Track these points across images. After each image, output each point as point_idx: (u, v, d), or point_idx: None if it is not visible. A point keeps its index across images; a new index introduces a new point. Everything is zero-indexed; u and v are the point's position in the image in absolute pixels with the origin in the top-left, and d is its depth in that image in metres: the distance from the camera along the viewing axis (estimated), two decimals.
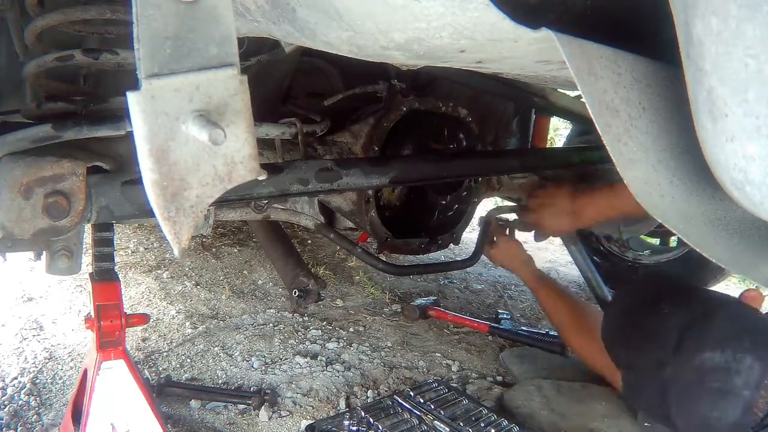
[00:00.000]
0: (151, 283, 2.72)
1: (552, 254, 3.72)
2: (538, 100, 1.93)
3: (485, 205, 2.67)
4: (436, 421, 1.59)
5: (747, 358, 1.25)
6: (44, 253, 1.16)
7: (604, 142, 0.56)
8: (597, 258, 2.87)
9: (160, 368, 1.95)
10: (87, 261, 1.81)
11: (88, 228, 1.42)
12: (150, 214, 0.89)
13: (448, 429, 1.57)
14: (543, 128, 2.38)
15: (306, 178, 1.27)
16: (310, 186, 1.28)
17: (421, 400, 1.70)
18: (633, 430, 1.65)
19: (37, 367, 1.92)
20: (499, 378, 2.04)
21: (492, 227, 2.18)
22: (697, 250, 0.58)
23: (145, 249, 3.19)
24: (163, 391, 1.74)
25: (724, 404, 1.26)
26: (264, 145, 1.72)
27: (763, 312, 1.46)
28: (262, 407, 1.72)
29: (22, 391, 1.76)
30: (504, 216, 2.29)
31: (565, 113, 2.10)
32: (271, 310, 2.48)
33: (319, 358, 2.07)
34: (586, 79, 0.55)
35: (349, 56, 0.80)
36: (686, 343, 1.31)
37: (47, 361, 1.96)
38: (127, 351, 1.33)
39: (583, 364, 1.86)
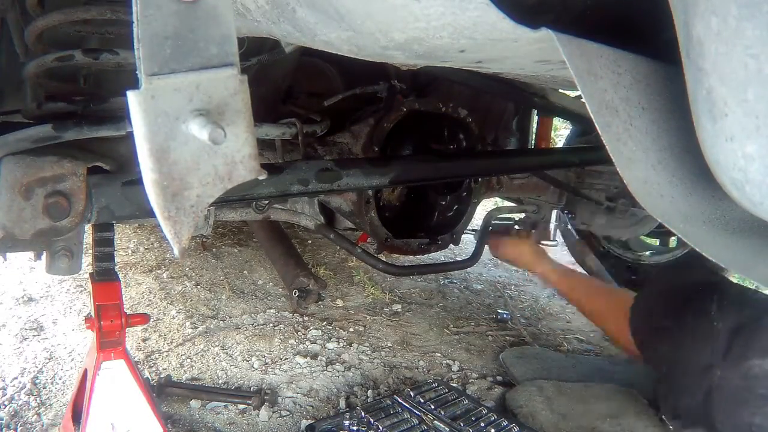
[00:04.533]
0: (151, 283, 2.72)
1: (552, 254, 3.71)
2: (538, 100, 1.93)
3: (485, 206, 2.67)
4: (436, 421, 1.59)
5: None
6: (44, 253, 1.16)
7: (604, 141, 0.56)
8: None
9: (160, 368, 1.95)
10: (87, 261, 1.82)
11: (88, 228, 1.42)
12: (150, 214, 0.90)
13: (448, 429, 1.57)
14: (546, 128, 2.39)
15: (306, 178, 1.27)
16: (311, 186, 1.28)
17: (421, 400, 1.70)
18: (635, 430, 1.65)
19: (37, 367, 1.92)
20: (500, 378, 2.04)
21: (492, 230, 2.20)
22: (697, 249, 0.58)
23: (146, 249, 3.20)
24: (163, 391, 1.74)
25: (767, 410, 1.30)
26: (264, 145, 1.72)
27: None
28: (262, 407, 1.72)
29: (22, 391, 1.76)
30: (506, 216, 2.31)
31: (565, 113, 2.10)
32: (271, 310, 2.48)
33: (319, 358, 2.07)
34: (586, 79, 0.56)
35: (349, 56, 0.80)
36: (735, 349, 1.31)
37: (47, 361, 1.96)
38: (127, 351, 1.33)
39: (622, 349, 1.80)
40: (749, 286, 1.53)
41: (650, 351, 1.54)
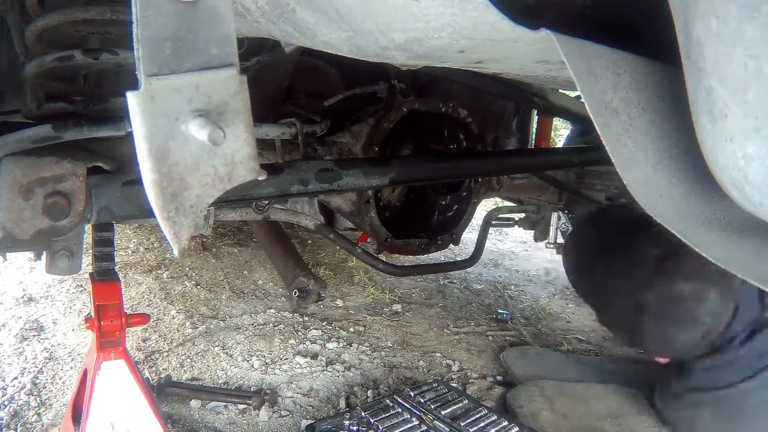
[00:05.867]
0: (151, 283, 2.72)
1: (552, 254, 3.71)
2: (538, 100, 1.93)
3: (485, 206, 2.68)
4: (436, 421, 1.59)
5: (713, 290, 1.41)
6: (44, 253, 1.16)
7: (604, 142, 0.56)
8: None
9: (161, 368, 1.95)
10: (87, 261, 1.82)
11: (88, 228, 1.42)
12: (150, 214, 0.90)
13: (448, 429, 1.57)
14: (546, 128, 2.39)
15: (306, 178, 1.27)
16: (310, 186, 1.28)
17: (421, 400, 1.70)
18: (636, 430, 1.65)
19: (37, 367, 1.92)
20: (500, 378, 2.04)
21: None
22: (697, 250, 0.58)
23: (146, 249, 3.20)
24: (163, 391, 1.74)
25: (687, 329, 1.45)
26: (264, 145, 1.72)
27: None
28: (262, 407, 1.73)
29: (22, 391, 1.76)
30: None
31: (565, 113, 2.10)
32: (271, 310, 2.48)
33: (319, 358, 2.07)
34: (586, 80, 0.55)
35: (349, 56, 0.80)
36: (663, 272, 1.43)
37: (47, 361, 1.97)
38: (128, 351, 1.33)
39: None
40: None
41: (583, 284, 1.67)
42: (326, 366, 2.02)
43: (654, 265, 1.44)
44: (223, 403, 1.75)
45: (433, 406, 1.67)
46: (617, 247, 1.55)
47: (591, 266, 1.63)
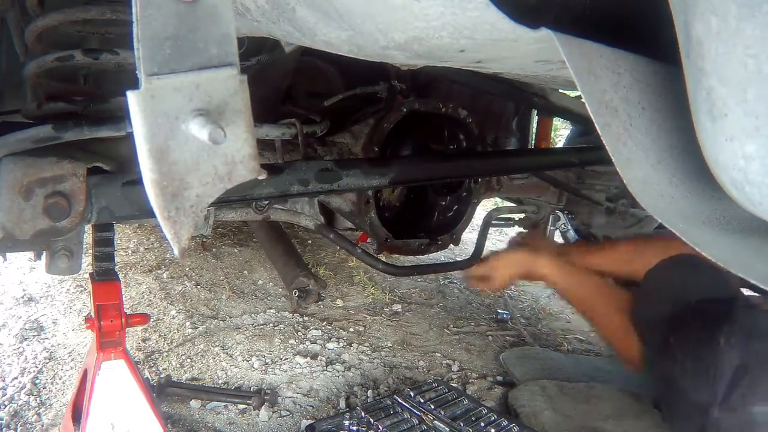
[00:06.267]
0: (151, 283, 2.72)
1: None
2: (538, 100, 1.93)
3: (485, 206, 2.68)
4: (436, 421, 1.59)
5: None
6: (44, 253, 1.16)
7: (604, 142, 0.56)
8: None
9: (161, 368, 1.95)
10: (87, 261, 1.82)
11: (88, 228, 1.42)
12: (150, 214, 0.90)
13: (448, 429, 1.57)
14: (546, 128, 2.39)
15: (306, 178, 1.27)
16: (310, 186, 1.28)
17: (421, 400, 1.70)
18: (637, 430, 1.65)
19: (37, 367, 1.92)
20: (500, 378, 2.04)
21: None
22: (697, 249, 0.58)
23: (146, 249, 3.19)
24: (163, 391, 1.74)
25: None
26: (264, 145, 1.72)
27: None
28: (262, 407, 1.73)
29: (22, 391, 1.76)
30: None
31: (565, 113, 2.10)
32: (271, 310, 2.48)
33: (319, 358, 2.07)
34: (586, 79, 0.56)
35: (349, 56, 0.80)
36: (738, 391, 1.26)
37: (47, 361, 1.96)
38: (128, 351, 1.33)
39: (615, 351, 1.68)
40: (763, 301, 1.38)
41: (652, 355, 1.47)
42: (326, 366, 2.02)
43: (730, 381, 1.25)
44: (223, 403, 1.75)
45: (433, 406, 1.67)
46: (690, 340, 1.35)
47: (659, 345, 1.43)
